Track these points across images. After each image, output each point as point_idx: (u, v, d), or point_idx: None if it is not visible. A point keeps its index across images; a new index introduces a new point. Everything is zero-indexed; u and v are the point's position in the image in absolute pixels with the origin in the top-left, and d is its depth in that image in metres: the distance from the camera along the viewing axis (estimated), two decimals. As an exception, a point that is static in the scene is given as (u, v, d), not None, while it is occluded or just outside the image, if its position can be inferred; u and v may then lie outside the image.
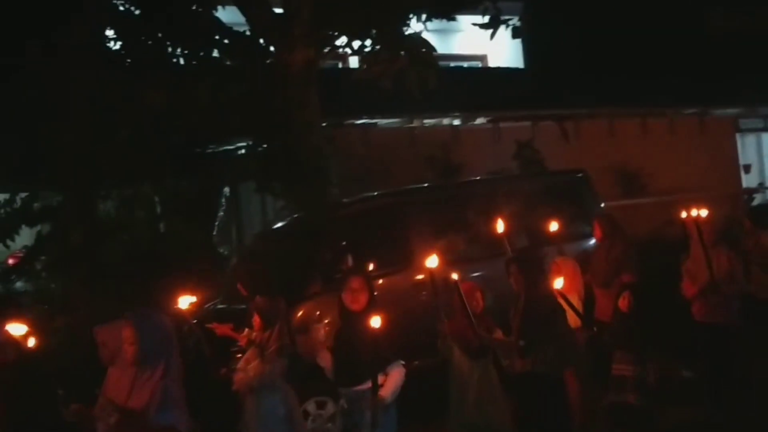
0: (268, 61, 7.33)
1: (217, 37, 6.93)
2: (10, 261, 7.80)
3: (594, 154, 10.22)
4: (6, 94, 6.20)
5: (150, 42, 6.62)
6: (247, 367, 3.89)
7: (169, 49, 6.65)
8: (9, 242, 6.45)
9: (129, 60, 6.77)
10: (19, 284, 7.29)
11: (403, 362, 3.47)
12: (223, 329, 3.97)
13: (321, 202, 6.76)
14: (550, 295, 3.85)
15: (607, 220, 5.76)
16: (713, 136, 12.57)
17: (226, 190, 9.04)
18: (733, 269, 4.78)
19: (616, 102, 11.31)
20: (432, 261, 3.71)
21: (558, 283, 3.96)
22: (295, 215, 6.91)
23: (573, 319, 4.19)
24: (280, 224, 6.97)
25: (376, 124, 9.87)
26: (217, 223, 8.82)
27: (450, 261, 5.24)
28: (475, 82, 11.38)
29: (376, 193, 6.67)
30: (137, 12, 6.86)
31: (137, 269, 6.31)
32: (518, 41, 12.85)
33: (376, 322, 3.20)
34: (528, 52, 13.48)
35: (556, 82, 11.30)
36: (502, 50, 12.97)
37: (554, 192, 6.83)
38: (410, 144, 9.86)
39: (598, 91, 11.17)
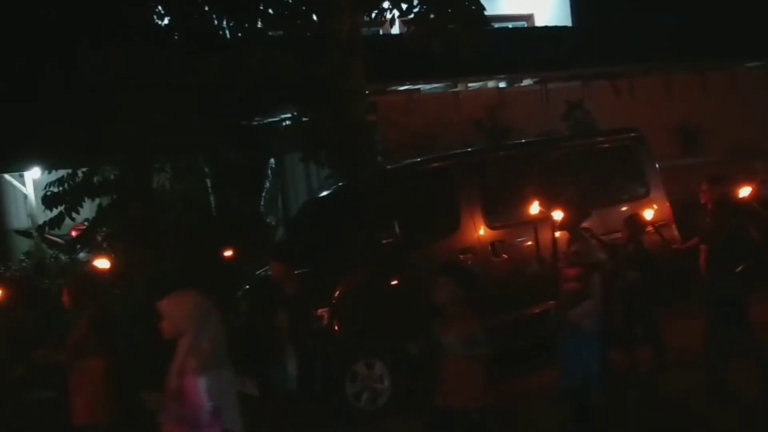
0: (311, 32, 7.61)
1: (261, 8, 7.24)
2: (73, 233, 8.50)
3: (649, 113, 10.15)
4: (64, 71, 6.70)
5: (197, 16, 6.99)
6: None
7: (216, 22, 7.02)
8: (74, 215, 7.03)
9: (177, 35, 7.18)
10: (81, 255, 7.99)
11: None
12: None
13: (366, 169, 7.08)
14: None
15: (75, 283, 4.01)
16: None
17: (272, 161, 9.48)
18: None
19: (672, 56, 11.13)
20: None
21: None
22: (341, 183, 7.28)
23: None
24: (325, 193, 7.36)
25: (419, 89, 10.05)
26: (264, 194, 9.31)
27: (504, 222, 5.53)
28: (521, 43, 11.40)
29: (421, 159, 6.96)
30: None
31: (192, 238, 6.84)
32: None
33: None
34: (576, 9, 13.33)
35: (607, 39, 11.18)
36: (548, 9, 12.85)
37: (607, 153, 6.94)
38: (455, 108, 10.00)
39: (652, 46, 11.01)
